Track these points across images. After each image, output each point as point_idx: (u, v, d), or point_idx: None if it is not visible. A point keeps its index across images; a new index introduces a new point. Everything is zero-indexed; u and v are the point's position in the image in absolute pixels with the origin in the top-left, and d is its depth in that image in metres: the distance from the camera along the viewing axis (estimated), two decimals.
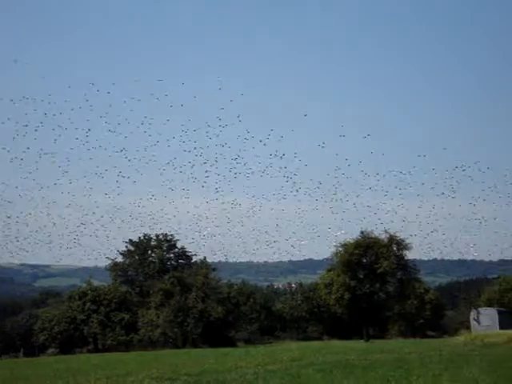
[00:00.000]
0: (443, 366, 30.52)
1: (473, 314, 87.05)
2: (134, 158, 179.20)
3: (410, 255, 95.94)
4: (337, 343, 78.85)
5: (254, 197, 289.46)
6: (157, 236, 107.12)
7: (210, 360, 45.96)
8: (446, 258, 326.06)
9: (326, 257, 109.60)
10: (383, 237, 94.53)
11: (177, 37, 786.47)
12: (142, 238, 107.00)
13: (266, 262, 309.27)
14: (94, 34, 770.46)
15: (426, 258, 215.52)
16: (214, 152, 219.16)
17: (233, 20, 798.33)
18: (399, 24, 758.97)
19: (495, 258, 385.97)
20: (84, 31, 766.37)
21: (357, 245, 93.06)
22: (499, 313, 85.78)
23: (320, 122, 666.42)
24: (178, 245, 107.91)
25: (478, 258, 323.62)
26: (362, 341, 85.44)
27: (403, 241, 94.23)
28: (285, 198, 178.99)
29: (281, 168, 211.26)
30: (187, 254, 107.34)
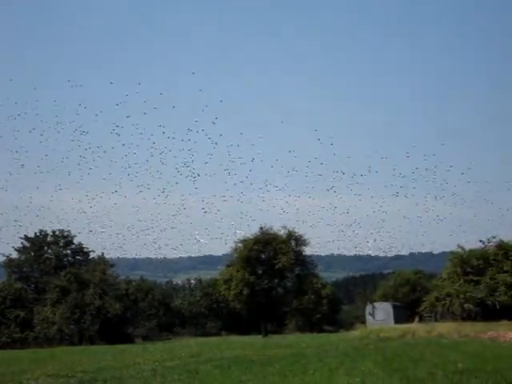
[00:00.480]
0: (339, 360, 30.95)
1: (368, 309, 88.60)
2: (90, 158, 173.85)
3: (307, 251, 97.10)
4: (235, 339, 79.18)
5: (190, 195, 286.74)
6: (53, 232, 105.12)
7: (107, 357, 45.43)
8: (343, 253, 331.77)
9: (225, 253, 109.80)
10: (282, 233, 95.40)
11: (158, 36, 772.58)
12: (37, 234, 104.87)
13: (164, 257, 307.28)
14: (72, 31, 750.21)
15: (323, 254, 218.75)
16: (175, 154, 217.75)
17: (218, 21, 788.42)
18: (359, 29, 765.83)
19: (391, 253, 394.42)
20: (62, 29, 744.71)
21: (256, 241, 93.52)
22: (394, 307, 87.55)
23: (295, 128, 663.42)
24: (75, 241, 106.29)
25: (373, 254, 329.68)
26: (260, 336, 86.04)
27: (301, 236, 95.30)
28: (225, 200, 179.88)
29: (242, 166, 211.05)
30: (84, 250, 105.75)
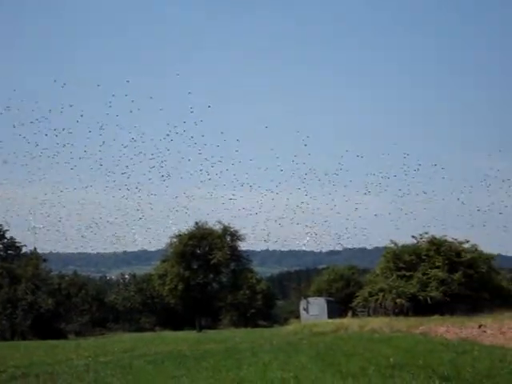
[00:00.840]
0: (273, 354, 31.06)
1: (302, 304, 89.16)
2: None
3: (242, 246, 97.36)
4: (169, 334, 79.01)
5: (160, 194, 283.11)
6: None
7: (39, 352, 44.86)
8: (278, 248, 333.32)
9: (160, 248, 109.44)
10: (217, 228, 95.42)
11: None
12: None
13: (98, 252, 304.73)
14: (60, 30, 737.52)
15: (258, 249, 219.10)
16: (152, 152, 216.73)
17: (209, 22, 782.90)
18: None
19: (325, 248, 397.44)
20: (49, 27, 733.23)
21: (191, 236, 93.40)
22: (328, 302, 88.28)
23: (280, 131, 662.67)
24: (8, 235, 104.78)
25: (308, 249, 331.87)
26: (194, 331, 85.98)
27: (237, 232, 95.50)
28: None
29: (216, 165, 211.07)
30: (16, 244, 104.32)
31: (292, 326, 67.49)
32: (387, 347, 30.67)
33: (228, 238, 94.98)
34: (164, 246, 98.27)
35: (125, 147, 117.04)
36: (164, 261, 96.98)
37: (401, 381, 19.05)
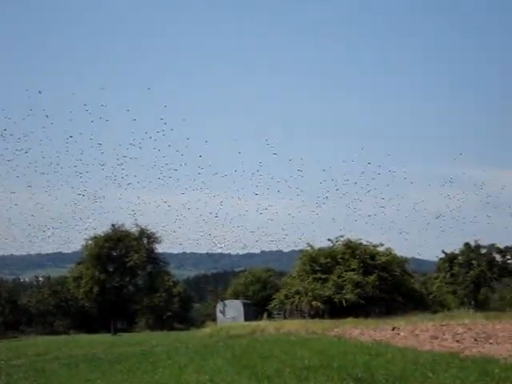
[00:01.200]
0: (189, 357, 30.99)
1: (219, 306, 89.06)
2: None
3: (159, 248, 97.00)
4: (84, 337, 78.00)
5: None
6: None
7: None
8: (195, 251, 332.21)
9: (76, 250, 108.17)
10: (134, 230, 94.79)
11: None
12: None
13: (12, 254, 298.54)
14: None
15: (175, 252, 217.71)
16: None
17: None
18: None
19: (242, 251, 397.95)
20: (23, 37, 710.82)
21: (107, 238, 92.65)
22: (244, 305, 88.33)
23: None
24: None
25: (225, 252, 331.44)
26: (109, 334, 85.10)
27: (154, 234, 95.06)
28: None
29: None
30: None
31: (208, 329, 67.31)
32: (302, 349, 30.86)
33: (145, 241, 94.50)
34: (79, 248, 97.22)
35: (82, 153, 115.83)
36: (79, 263, 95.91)
37: (315, 382, 19.21)
